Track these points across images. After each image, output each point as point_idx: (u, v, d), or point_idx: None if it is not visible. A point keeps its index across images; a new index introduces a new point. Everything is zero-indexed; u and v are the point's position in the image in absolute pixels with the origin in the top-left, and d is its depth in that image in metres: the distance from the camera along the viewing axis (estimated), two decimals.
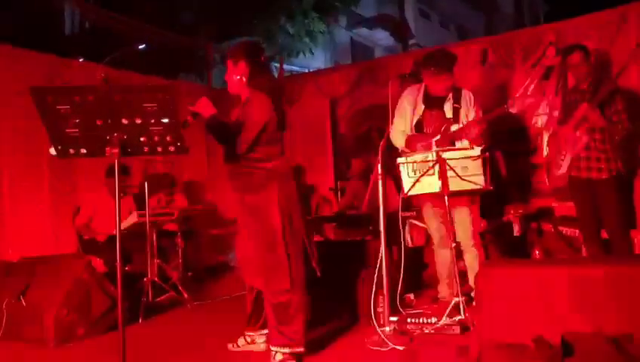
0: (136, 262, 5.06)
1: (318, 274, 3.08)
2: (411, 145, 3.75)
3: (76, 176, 5.32)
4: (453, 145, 3.66)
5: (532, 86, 5.27)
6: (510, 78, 5.33)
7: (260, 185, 2.93)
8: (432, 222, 3.89)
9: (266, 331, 3.07)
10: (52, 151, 2.41)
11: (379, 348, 3.04)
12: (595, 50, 4.27)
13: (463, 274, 4.09)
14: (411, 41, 16.82)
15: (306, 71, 9.24)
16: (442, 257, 3.84)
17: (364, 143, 6.28)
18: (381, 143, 3.42)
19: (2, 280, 4.09)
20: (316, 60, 12.68)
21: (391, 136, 3.85)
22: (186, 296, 4.80)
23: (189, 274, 5.67)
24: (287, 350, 2.84)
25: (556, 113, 5.17)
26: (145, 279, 4.56)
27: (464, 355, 2.42)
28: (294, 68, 10.93)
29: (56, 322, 3.59)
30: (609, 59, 4.64)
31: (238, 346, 3.23)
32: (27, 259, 4.26)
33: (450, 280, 3.74)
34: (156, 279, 4.69)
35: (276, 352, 2.86)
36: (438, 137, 3.67)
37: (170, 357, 3.23)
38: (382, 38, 16.67)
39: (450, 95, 3.72)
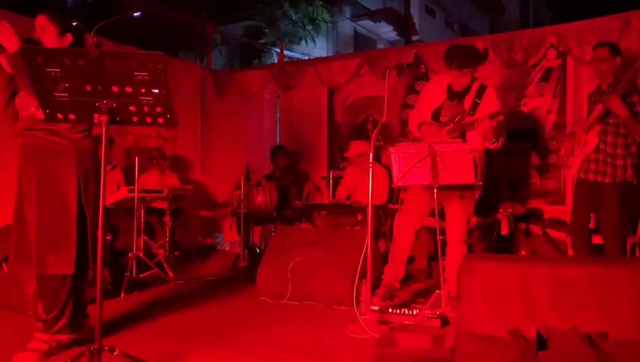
0: (122, 238, 5.04)
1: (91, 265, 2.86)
2: (423, 131, 3.76)
3: None
4: (464, 137, 3.64)
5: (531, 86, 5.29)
6: (509, 77, 5.32)
7: (57, 155, 2.72)
8: (414, 209, 3.86)
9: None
10: (40, 114, 2.38)
11: (358, 336, 3.04)
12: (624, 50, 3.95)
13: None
14: (414, 38, 16.77)
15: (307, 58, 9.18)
16: (405, 238, 3.81)
17: (359, 134, 6.27)
18: (374, 133, 3.42)
19: None
20: (318, 49, 12.61)
21: (409, 121, 3.88)
22: (170, 274, 4.79)
23: (176, 253, 5.66)
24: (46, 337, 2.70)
25: (553, 115, 5.21)
26: (130, 254, 4.55)
27: (439, 344, 2.43)
28: (295, 55, 10.84)
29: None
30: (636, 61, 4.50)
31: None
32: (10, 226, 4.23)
33: (401, 263, 3.78)
34: (141, 255, 4.68)
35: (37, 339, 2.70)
36: (451, 126, 3.67)
37: (146, 332, 3.21)
38: (385, 31, 16.59)
39: (474, 89, 3.69)
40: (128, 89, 2.23)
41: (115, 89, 2.23)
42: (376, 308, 3.36)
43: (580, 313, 1.97)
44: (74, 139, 2.76)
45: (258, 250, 5.54)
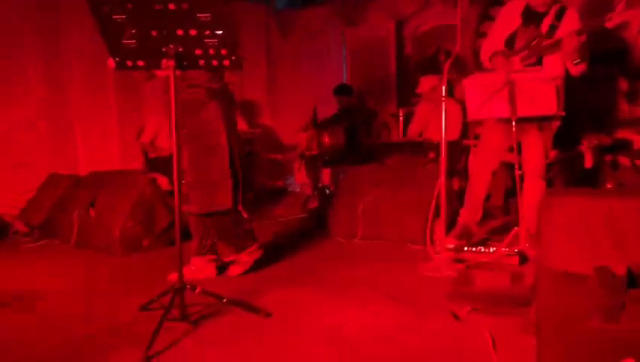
0: None
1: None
2: (494, 61, 3.54)
3: (141, 94, 5.42)
4: (540, 62, 3.39)
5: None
6: None
7: (204, 105, 2.95)
8: (491, 146, 3.67)
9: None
10: (111, 63, 2.42)
11: (432, 274, 3.01)
12: None
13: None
14: None
15: None
16: (482, 179, 3.63)
17: (431, 66, 6.01)
18: (446, 64, 3.25)
19: (73, 193, 4.33)
20: None
21: (481, 50, 3.69)
22: (245, 215, 4.91)
23: (250, 195, 5.79)
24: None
25: None
26: None
27: (519, 282, 2.35)
28: None
29: (122, 233, 3.78)
30: None
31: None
32: (95, 174, 4.47)
33: (478, 204, 3.62)
34: None
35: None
36: (526, 52, 3.41)
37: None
38: None
39: (552, 12, 3.40)
40: (193, 32, 2.22)
41: (180, 32, 2.22)
42: (451, 246, 3.30)
43: None
44: (215, 90, 3.01)
45: (328, 191, 5.56)
